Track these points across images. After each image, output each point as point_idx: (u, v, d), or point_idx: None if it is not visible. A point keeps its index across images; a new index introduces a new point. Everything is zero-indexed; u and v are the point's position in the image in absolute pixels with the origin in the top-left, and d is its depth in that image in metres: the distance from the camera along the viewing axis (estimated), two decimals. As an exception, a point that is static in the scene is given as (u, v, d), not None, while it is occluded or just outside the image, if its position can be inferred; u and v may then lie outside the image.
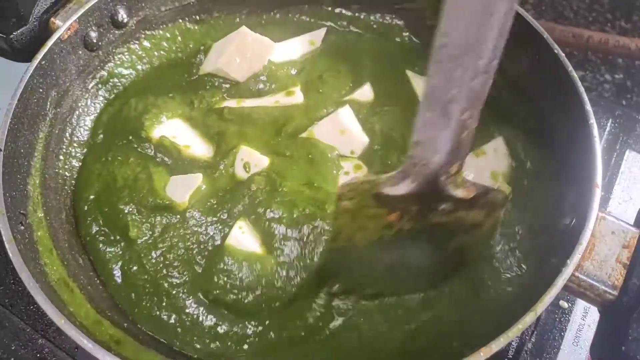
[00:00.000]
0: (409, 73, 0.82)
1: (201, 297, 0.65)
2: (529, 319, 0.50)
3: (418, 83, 0.81)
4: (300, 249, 0.66)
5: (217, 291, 0.64)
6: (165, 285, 0.65)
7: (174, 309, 0.64)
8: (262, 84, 0.80)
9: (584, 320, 0.72)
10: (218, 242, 0.67)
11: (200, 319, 0.64)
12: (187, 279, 0.66)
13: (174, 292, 0.65)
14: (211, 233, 0.68)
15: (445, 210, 0.57)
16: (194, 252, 0.67)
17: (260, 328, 0.63)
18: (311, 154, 0.73)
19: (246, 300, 0.64)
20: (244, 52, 0.79)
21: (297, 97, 0.80)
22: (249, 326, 0.63)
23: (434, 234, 0.60)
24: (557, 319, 0.72)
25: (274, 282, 0.64)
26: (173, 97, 0.79)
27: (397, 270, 0.64)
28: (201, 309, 0.64)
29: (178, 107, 0.78)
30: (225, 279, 0.64)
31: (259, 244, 0.66)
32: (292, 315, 0.64)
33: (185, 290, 0.65)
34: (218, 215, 0.69)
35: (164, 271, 0.66)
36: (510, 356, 0.68)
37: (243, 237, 0.67)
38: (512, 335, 0.49)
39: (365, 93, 0.80)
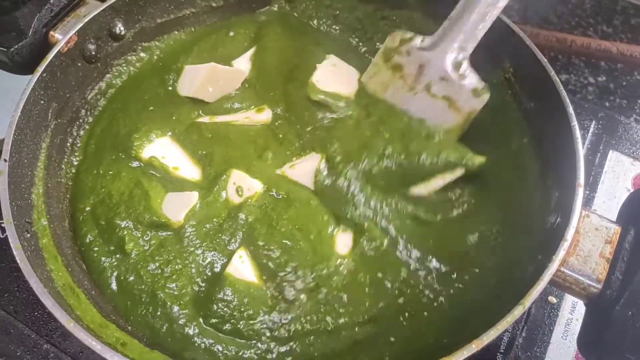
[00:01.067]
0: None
1: (200, 321, 0.66)
2: (517, 312, 0.53)
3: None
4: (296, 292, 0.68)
5: (216, 320, 0.66)
6: (162, 295, 0.67)
7: (168, 319, 0.66)
8: (233, 103, 0.83)
9: (572, 315, 0.75)
10: (217, 269, 0.69)
11: (194, 335, 0.65)
12: (185, 292, 0.67)
13: (169, 303, 0.66)
14: (209, 259, 0.70)
15: (440, 87, 0.74)
16: (192, 271, 0.69)
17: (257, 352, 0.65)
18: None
19: (245, 330, 0.66)
20: (215, 80, 0.81)
21: (266, 114, 0.82)
22: (246, 350, 0.65)
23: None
24: (547, 314, 0.75)
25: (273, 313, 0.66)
26: (154, 111, 0.81)
27: None
28: (196, 327, 0.66)
29: (163, 123, 0.80)
30: (225, 309, 0.66)
31: (258, 275, 0.69)
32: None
33: (182, 303, 0.67)
34: (216, 241, 0.71)
35: (162, 282, 0.67)
36: (502, 350, 0.71)
37: (243, 267, 0.69)
38: (501, 327, 0.52)
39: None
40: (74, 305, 0.61)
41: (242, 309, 0.66)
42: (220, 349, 0.65)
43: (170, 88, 0.84)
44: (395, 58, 0.77)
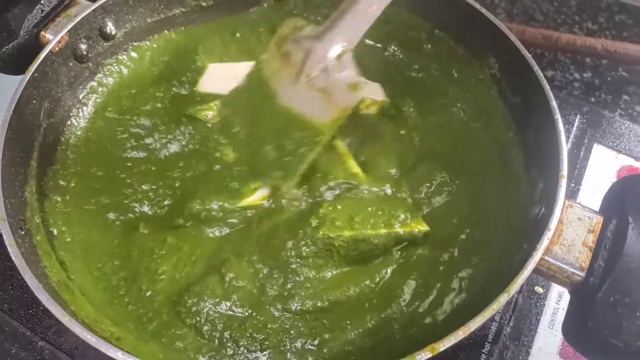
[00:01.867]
0: None
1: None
2: (503, 299, 0.54)
3: None
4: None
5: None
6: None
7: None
8: None
9: (558, 304, 0.77)
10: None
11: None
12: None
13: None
14: None
15: (323, 73, 0.72)
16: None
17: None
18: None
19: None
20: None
21: None
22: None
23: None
24: (533, 304, 0.76)
25: None
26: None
27: None
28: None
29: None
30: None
31: None
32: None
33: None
34: None
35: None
36: (490, 340, 0.72)
37: None
38: (487, 314, 0.53)
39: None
40: (69, 301, 0.62)
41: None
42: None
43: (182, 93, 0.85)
44: (285, 45, 0.76)
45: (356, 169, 0.76)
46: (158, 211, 0.74)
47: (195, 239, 0.71)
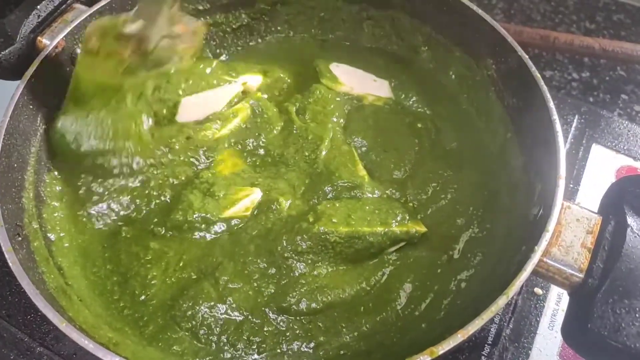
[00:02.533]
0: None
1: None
2: (501, 301, 0.54)
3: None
4: None
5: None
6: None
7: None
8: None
9: (558, 306, 0.76)
10: None
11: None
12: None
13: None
14: None
15: (165, 45, 0.71)
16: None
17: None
18: None
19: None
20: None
21: None
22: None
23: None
24: (533, 306, 0.76)
25: None
26: None
27: None
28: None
29: None
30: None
31: None
32: None
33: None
34: None
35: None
36: (490, 342, 0.72)
37: None
38: (486, 317, 0.53)
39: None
40: (66, 307, 0.62)
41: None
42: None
43: None
44: (110, 44, 0.71)
45: (363, 172, 0.77)
46: (139, 217, 0.75)
47: (181, 245, 0.72)
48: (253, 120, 0.83)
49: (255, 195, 0.75)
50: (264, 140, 0.82)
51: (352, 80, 0.87)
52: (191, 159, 0.78)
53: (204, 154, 0.79)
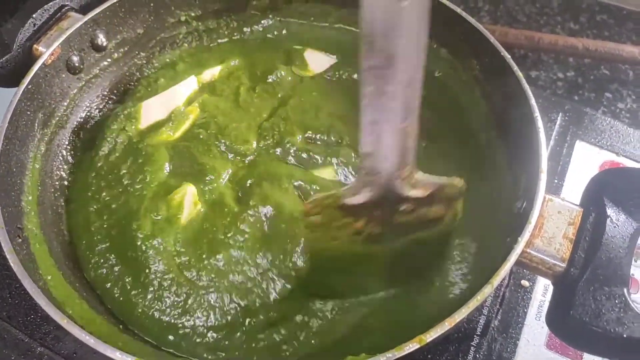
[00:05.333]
0: None
1: None
2: (487, 290, 0.56)
3: None
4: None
5: None
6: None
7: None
8: None
9: (544, 297, 0.79)
10: None
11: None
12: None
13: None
14: None
15: (406, 210, 0.61)
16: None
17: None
18: None
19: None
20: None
21: None
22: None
23: (400, 234, 0.64)
24: (520, 297, 0.78)
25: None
26: None
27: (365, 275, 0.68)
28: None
29: None
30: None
31: None
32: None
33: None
34: None
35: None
36: (479, 333, 0.74)
37: None
38: (472, 305, 0.55)
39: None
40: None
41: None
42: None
43: None
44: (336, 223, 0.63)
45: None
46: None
47: None
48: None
49: (189, 190, 0.77)
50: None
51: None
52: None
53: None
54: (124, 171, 0.79)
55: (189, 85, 0.89)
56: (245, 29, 0.97)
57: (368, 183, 0.58)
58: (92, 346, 0.54)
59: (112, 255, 0.73)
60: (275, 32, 0.98)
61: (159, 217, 0.74)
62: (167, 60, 0.94)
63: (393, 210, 0.61)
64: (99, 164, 0.80)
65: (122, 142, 0.82)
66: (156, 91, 0.88)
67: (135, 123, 0.84)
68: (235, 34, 0.97)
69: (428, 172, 0.76)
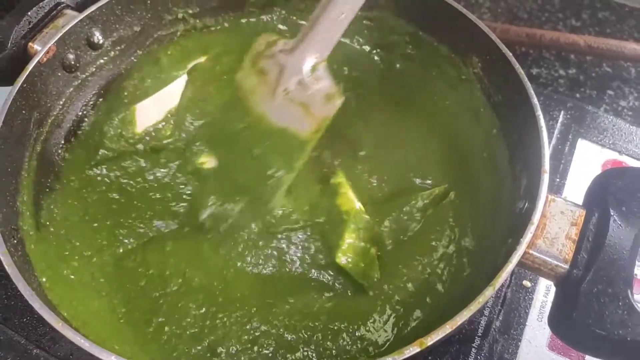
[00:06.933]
0: None
1: None
2: (488, 292, 0.55)
3: None
4: None
5: None
6: None
7: None
8: None
9: (546, 298, 0.78)
10: None
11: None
12: None
13: None
14: None
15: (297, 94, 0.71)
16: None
17: None
18: None
19: None
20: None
21: None
22: None
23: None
24: (522, 298, 0.78)
25: None
26: None
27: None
28: None
29: None
30: None
31: None
32: None
33: None
34: None
35: None
36: (480, 334, 0.73)
37: None
38: (473, 308, 0.54)
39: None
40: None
41: None
42: None
43: None
44: (260, 62, 0.73)
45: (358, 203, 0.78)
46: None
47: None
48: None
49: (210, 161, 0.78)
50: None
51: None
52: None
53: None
54: (123, 172, 0.78)
55: (180, 83, 0.88)
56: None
57: (300, 45, 0.70)
58: (87, 349, 0.53)
59: None
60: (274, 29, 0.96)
61: None
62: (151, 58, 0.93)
63: (292, 83, 0.70)
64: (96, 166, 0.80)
65: (118, 147, 0.81)
66: (146, 93, 0.86)
67: (131, 127, 0.83)
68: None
69: (426, 173, 0.77)
